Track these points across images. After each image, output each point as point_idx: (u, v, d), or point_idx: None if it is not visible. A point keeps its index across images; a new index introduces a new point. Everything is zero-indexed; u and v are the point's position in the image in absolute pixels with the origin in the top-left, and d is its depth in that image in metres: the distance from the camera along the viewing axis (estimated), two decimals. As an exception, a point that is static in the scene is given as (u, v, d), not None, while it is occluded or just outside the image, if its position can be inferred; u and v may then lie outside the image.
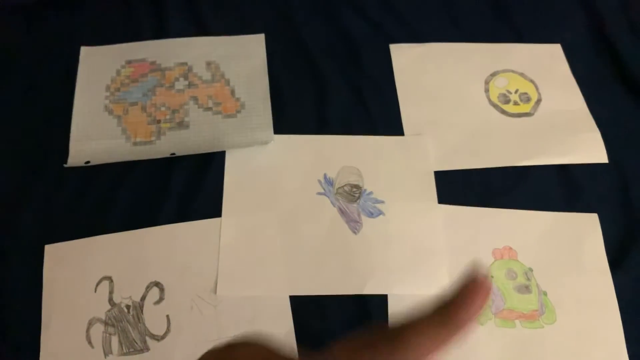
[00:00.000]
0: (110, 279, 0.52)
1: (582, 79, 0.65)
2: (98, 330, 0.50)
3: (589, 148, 0.60)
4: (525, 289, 0.53)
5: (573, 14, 0.71)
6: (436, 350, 0.21)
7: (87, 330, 0.49)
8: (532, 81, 0.65)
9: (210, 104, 0.61)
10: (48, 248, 0.52)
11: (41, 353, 0.48)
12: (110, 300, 0.51)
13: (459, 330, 0.22)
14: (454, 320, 0.21)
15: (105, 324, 0.50)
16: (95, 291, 0.51)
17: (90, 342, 0.49)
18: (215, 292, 0.51)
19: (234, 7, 0.69)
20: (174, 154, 0.57)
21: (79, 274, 0.52)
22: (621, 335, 0.51)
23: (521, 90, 0.64)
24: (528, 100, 0.64)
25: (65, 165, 0.56)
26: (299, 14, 0.69)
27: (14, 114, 0.60)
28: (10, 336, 0.49)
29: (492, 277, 0.54)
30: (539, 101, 0.64)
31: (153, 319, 0.50)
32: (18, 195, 0.55)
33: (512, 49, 0.67)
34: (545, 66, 0.66)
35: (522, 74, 0.65)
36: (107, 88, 0.61)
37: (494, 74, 0.65)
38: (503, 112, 0.63)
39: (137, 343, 0.49)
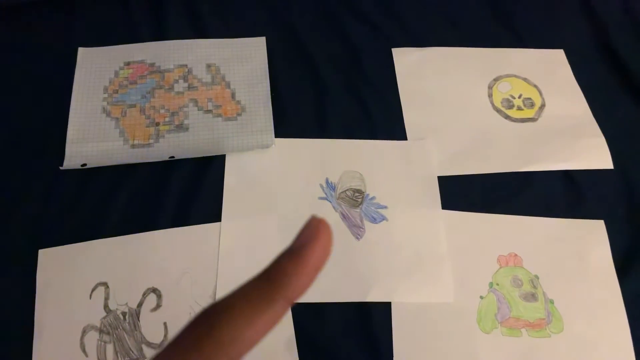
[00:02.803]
0: (105, 284, 0.50)
1: (586, 84, 0.65)
2: (92, 338, 0.48)
3: (593, 154, 0.59)
4: (531, 296, 0.52)
5: (575, 19, 0.71)
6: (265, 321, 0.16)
7: (81, 338, 0.48)
8: (535, 86, 0.64)
9: (210, 107, 0.60)
10: (42, 252, 0.51)
11: (33, 362, 0.47)
12: (106, 306, 0.49)
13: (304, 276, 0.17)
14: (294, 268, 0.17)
15: (100, 331, 0.48)
16: (90, 297, 0.49)
17: (84, 351, 0.47)
18: (214, 298, 0.50)
19: (233, 10, 0.68)
20: (172, 157, 0.56)
21: (73, 280, 0.50)
22: (630, 344, 0.50)
23: (525, 95, 0.64)
24: (532, 105, 0.63)
25: (61, 168, 0.55)
26: (300, 18, 0.68)
27: (9, 115, 0.58)
28: (1, 344, 0.47)
29: (498, 284, 0.52)
30: (542, 106, 0.63)
31: (150, 326, 0.49)
32: (12, 197, 0.54)
33: (515, 53, 0.67)
34: (548, 71, 0.66)
35: (525, 79, 0.65)
36: (105, 89, 0.60)
37: (497, 79, 0.65)
38: (507, 117, 0.62)
39: (133, 351, 0.48)
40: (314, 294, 0.51)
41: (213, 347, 0.15)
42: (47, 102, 0.59)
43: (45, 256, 0.51)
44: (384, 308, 0.50)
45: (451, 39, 0.67)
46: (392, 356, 0.48)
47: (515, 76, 0.65)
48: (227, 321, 0.16)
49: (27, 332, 0.47)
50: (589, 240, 0.55)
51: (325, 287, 0.51)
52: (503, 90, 0.64)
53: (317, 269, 0.17)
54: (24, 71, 0.61)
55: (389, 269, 0.52)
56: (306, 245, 0.17)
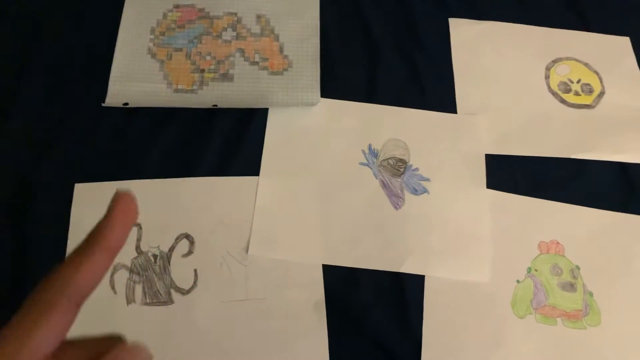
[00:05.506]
0: (139, 226, 0.49)
1: (650, 76, 0.61)
2: (122, 276, 0.48)
3: (651, 148, 0.57)
4: (570, 286, 0.50)
5: (644, 8, 0.67)
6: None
7: (112, 275, 0.48)
8: (596, 72, 0.61)
9: (257, 59, 0.58)
10: (78, 187, 0.50)
11: (62, 293, 0.46)
12: (138, 247, 0.49)
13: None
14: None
15: (131, 271, 0.48)
16: (123, 236, 0.49)
17: (113, 288, 0.47)
18: (246, 251, 0.49)
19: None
20: (215, 105, 0.54)
21: (107, 217, 0.49)
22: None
23: (584, 81, 0.61)
24: (590, 91, 0.60)
25: (103, 105, 0.54)
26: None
27: (56, 48, 0.57)
28: (32, 273, 0.47)
29: (536, 270, 0.51)
30: (601, 94, 0.60)
31: (180, 271, 0.48)
32: (53, 129, 0.53)
33: (578, 36, 0.63)
34: (611, 58, 0.62)
35: (586, 64, 0.62)
36: (152, 30, 0.59)
37: (556, 61, 0.62)
38: (562, 101, 0.59)
39: (161, 294, 0.47)
40: (348, 259, 0.49)
41: (52, 288, 0.20)
42: (94, 37, 0.58)
43: (82, 190, 0.50)
44: (418, 281, 0.49)
45: (511, 15, 0.64)
46: (422, 329, 0.47)
47: (576, 60, 0.62)
48: (60, 269, 0.20)
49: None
50: (637, 237, 0.52)
51: (359, 254, 0.50)
52: (561, 73, 0.61)
53: (125, 224, 0.21)
54: (71, 5, 0.60)
55: (426, 242, 0.51)
56: (112, 207, 0.21)
